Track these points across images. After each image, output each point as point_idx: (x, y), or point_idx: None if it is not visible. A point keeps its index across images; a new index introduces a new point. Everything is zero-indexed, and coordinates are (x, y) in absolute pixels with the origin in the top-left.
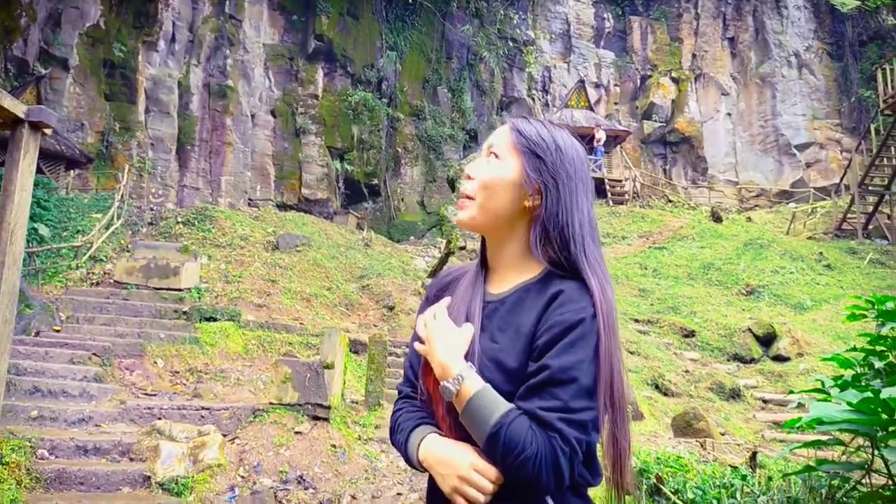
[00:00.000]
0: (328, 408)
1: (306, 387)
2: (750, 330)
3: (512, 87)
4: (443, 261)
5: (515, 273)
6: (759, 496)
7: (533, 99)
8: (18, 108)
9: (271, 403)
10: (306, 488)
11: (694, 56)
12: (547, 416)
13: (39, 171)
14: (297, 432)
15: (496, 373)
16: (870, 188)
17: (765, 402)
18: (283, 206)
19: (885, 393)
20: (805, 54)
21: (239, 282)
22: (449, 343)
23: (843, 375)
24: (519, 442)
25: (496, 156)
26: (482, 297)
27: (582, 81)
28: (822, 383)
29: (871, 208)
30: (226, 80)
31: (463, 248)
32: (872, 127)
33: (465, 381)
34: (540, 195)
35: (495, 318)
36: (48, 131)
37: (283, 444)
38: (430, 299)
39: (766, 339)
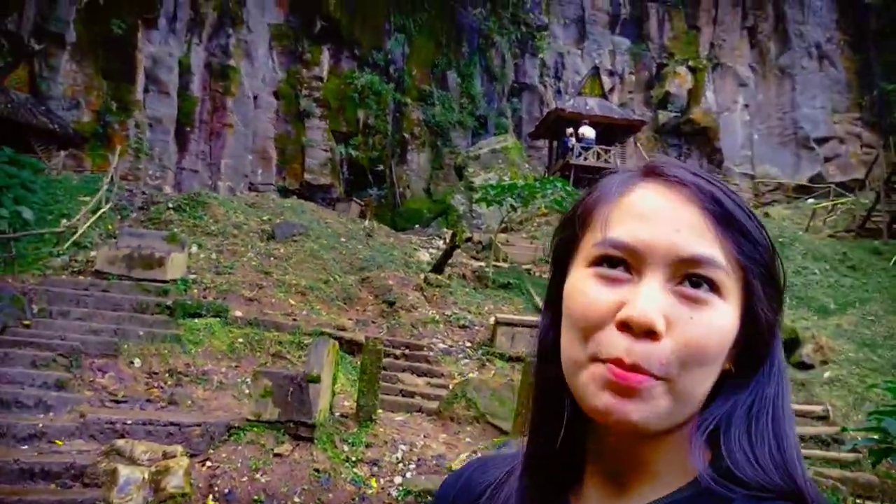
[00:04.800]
0: (312, 426)
1: (288, 402)
2: None
3: (523, 73)
4: (447, 254)
5: (640, 484)
6: None
7: (545, 86)
8: None
9: (248, 420)
10: None
11: (712, 45)
12: None
13: (30, 150)
14: (276, 454)
15: None
16: (895, 186)
17: None
18: (284, 192)
19: None
20: (826, 45)
21: (230, 273)
22: None
23: None
24: None
25: (714, 288)
26: None
27: (596, 68)
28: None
29: None
30: (228, 59)
31: (469, 240)
32: None
33: None
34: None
35: None
36: None
37: (259, 469)
38: None
39: (788, 346)
